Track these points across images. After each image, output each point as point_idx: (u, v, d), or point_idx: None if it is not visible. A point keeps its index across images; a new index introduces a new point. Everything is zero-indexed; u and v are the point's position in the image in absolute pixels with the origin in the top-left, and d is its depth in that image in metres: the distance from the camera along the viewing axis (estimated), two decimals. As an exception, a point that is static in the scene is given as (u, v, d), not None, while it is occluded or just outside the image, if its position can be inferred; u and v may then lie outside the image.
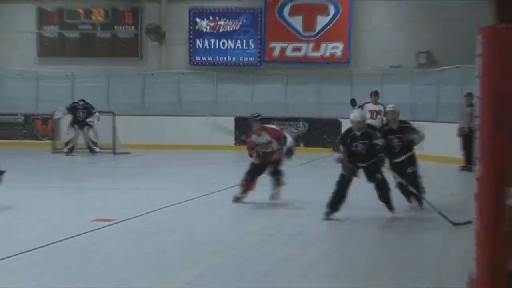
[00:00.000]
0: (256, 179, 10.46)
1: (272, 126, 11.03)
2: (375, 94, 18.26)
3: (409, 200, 10.82)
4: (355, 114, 10.22)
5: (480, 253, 3.05)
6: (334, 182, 10.00)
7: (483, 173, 2.99)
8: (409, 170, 10.53)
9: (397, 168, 10.51)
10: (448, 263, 7.62)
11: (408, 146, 10.85)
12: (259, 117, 10.54)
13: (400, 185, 10.64)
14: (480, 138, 3.00)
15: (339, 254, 8.55)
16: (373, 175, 10.06)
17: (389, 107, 11.63)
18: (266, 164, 10.37)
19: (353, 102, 12.54)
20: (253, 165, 10.30)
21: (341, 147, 10.28)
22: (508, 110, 2.97)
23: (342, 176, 9.64)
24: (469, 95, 17.45)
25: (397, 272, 7.40)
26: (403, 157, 10.69)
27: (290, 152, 10.68)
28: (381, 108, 17.48)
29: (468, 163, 17.26)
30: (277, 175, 10.59)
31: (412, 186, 10.42)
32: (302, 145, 22.60)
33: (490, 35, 2.85)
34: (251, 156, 10.40)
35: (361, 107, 17.49)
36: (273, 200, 10.62)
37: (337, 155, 10.31)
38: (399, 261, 7.97)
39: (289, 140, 10.68)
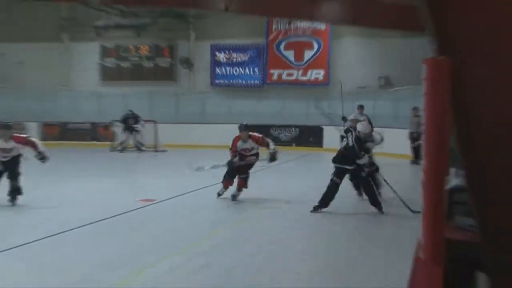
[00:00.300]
0: (234, 178, 9.93)
1: (256, 134, 10.25)
2: (361, 107, 17.54)
3: (360, 194, 9.92)
4: (364, 125, 9.47)
5: (425, 226, 2.91)
6: (318, 174, 9.24)
7: (427, 166, 2.86)
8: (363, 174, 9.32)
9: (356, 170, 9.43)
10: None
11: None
12: (247, 127, 10.02)
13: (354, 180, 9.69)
14: (425, 140, 2.89)
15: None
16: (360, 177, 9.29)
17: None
18: (243, 165, 9.84)
19: (344, 119, 11.75)
20: (232, 166, 9.73)
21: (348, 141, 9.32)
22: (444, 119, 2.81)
23: (332, 180, 8.73)
24: (415, 109, 17.39)
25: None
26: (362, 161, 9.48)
27: (273, 157, 9.96)
28: (365, 118, 16.12)
29: (416, 158, 17.16)
30: (245, 177, 9.90)
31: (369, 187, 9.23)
32: (294, 144, 22.60)
33: (431, 65, 2.77)
34: (233, 158, 9.82)
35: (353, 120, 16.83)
36: (234, 200, 9.87)
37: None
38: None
39: (271, 146, 10.05)
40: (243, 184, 9.86)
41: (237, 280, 5.72)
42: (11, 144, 8.85)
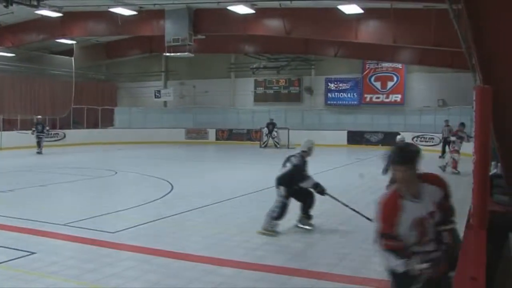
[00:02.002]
0: None
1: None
2: (461, 125, 16.06)
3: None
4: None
5: (474, 201, 3.30)
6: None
7: (477, 159, 3.23)
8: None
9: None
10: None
11: None
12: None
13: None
14: (475, 142, 3.24)
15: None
16: None
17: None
18: None
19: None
20: None
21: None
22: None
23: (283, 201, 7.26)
24: (447, 120, 20.46)
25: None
26: None
27: None
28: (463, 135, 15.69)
29: (443, 153, 19.39)
30: None
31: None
32: (380, 145, 24.85)
33: (479, 91, 3.05)
34: None
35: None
36: None
37: None
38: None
39: None
40: None
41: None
42: None
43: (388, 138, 23.68)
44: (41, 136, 21.81)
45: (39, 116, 24.00)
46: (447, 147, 18.71)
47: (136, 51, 31.97)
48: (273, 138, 27.21)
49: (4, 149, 23.42)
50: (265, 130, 27.56)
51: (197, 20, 21.76)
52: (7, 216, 8.31)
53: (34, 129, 21.98)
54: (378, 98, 28.86)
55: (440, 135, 21.63)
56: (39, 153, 21.39)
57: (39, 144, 21.70)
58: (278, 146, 26.45)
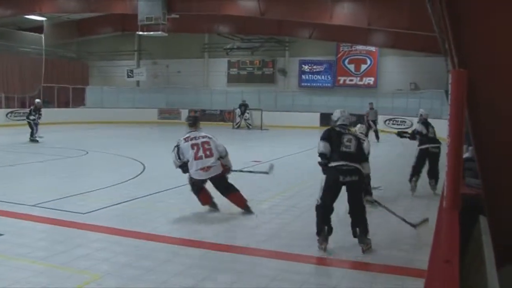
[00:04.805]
0: None
1: None
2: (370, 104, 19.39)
3: None
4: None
5: (448, 183, 3.38)
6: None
7: (451, 143, 3.32)
8: None
9: None
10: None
11: None
12: None
13: None
14: (450, 125, 3.30)
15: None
16: None
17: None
18: None
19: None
20: None
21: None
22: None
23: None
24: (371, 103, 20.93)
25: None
26: None
27: None
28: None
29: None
30: None
31: None
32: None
33: (454, 74, 3.13)
34: None
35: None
36: None
37: None
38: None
39: None
40: None
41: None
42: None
43: (360, 120, 22.08)
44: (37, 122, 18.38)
45: (38, 100, 20.11)
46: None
47: (109, 30, 31.39)
48: (245, 119, 27.33)
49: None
50: (238, 111, 27.61)
51: (171, -1, 21.19)
52: (-26, 197, 8.08)
53: (36, 113, 18.38)
54: (351, 80, 29.24)
55: (411, 118, 22.54)
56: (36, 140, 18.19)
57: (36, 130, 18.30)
58: (251, 127, 26.80)
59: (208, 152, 7.21)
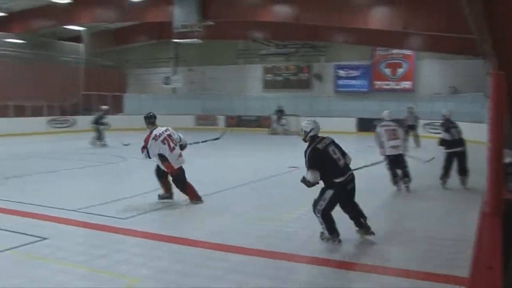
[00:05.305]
0: None
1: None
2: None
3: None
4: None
5: (489, 189, 3.32)
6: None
7: (492, 147, 3.27)
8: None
9: None
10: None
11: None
12: None
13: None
14: (490, 128, 3.24)
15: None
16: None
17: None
18: None
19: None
20: None
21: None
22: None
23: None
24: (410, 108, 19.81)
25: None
26: None
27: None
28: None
29: None
30: None
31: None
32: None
33: (495, 76, 3.18)
34: None
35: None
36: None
37: None
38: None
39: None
40: None
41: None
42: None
43: (402, 124, 22.05)
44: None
45: (106, 107, 21.23)
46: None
47: (145, 38, 32.04)
48: (282, 125, 27.16)
49: (14, 135, 23.38)
50: (274, 117, 27.51)
51: (205, 6, 21.63)
52: (20, 202, 8.36)
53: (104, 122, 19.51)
54: (388, 85, 28.82)
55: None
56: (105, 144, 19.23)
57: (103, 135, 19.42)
58: (287, 133, 26.33)
59: (175, 142, 8.26)
